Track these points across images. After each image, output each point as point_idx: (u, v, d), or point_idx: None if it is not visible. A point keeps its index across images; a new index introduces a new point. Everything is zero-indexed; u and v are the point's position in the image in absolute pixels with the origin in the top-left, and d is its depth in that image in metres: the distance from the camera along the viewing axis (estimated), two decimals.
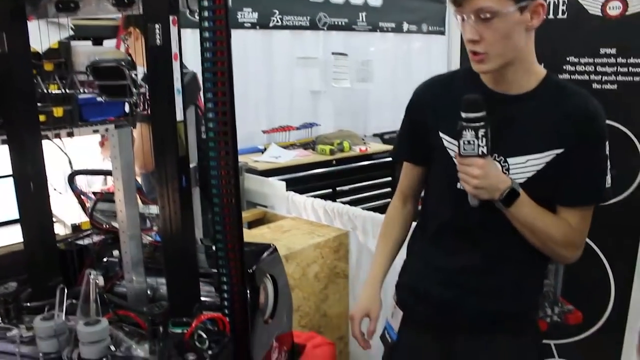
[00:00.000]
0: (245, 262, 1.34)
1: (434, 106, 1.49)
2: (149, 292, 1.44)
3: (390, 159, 4.45)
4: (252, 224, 3.15)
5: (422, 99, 1.54)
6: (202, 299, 1.37)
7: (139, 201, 1.56)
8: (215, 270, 1.35)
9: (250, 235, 2.69)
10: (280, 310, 1.58)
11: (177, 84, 1.22)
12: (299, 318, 2.55)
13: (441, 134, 1.46)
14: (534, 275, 1.53)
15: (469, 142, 1.30)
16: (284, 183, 3.25)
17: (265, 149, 4.26)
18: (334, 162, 4.18)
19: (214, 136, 1.23)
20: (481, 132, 1.29)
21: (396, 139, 1.68)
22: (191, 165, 1.31)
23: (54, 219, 2.69)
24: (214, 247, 1.37)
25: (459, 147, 1.32)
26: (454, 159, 1.40)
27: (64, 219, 2.67)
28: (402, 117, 1.61)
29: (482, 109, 1.29)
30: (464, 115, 1.31)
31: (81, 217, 1.65)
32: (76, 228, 2.51)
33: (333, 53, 5.04)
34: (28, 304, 1.36)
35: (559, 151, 1.35)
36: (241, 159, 3.50)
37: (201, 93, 1.25)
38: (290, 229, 2.81)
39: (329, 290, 2.73)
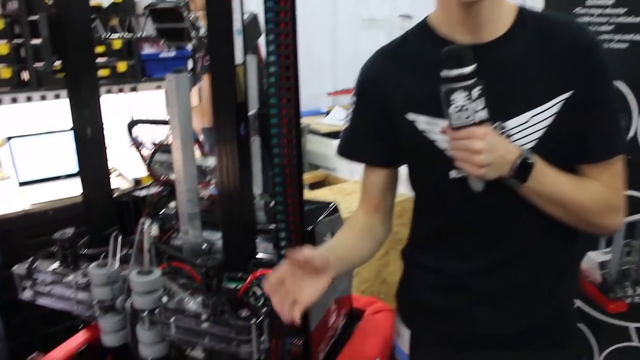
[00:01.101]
0: (305, 218, 1.26)
1: (392, 83, 1.12)
2: (204, 246, 1.39)
3: None
4: (314, 186, 3.08)
5: (373, 79, 1.15)
6: (259, 255, 1.31)
7: (198, 153, 1.51)
8: (273, 226, 1.29)
9: (311, 196, 2.62)
10: None
11: (237, 24, 1.14)
12: (358, 283, 2.47)
13: (410, 116, 1.08)
14: (568, 267, 1.19)
15: (461, 107, 0.96)
16: None
17: (328, 112, 4.16)
18: None
19: (275, 81, 1.15)
20: (476, 91, 0.95)
21: (344, 138, 1.22)
22: (250, 113, 1.24)
23: (116, 174, 2.72)
24: (272, 203, 1.31)
25: (449, 118, 0.97)
26: (436, 144, 1.07)
27: (126, 173, 2.68)
28: (349, 109, 1.20)
29: (470, 60, 0.95)
30: (449, 73, 0.95)
31: (142, 172, 1.62)
32: (137, 183, 2.52)
33: (399, 15, 4.86)
34: (85, 251, 1.34)
35: (567, 95, 1.05)
36: (304, 121, 3.42)
37: (262, 40, 1.17)
38: (352, 192, 2.72)
39: (390, 256, 2.63)
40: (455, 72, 0.95)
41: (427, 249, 1.21)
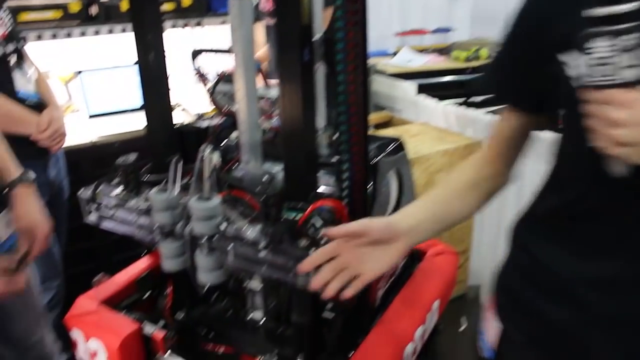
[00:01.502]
0: (369, 151, 1.21)
1: (552, 16, 0.87)
2: (265, 177, 1.37)
3: None
4: (378, 127, 3.01)
5: (540, 5, 0.90)
6: (321, 189, 1.27)
7: (261, 83, 1.47)
8: (336, 158, 1.24)
9: None
10: None
11: None
12: None
13: (563, 58, 0.84)
14: None
15: (602, 60, 0.71)
16: (414, 85, 3.04)
17: (396, 53, 4.03)
18: (469, 70, 3.87)
19: (342, 3, 1.08)
20: (627, 40, 0.69)
21: (490, 72, 1.03)
22: (315, 38, 1.18)
23: (180, 109, 2.73)
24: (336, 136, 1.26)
25: (589, 70, 0.72)
26: (579, 97, 0.77)
27: (190, 108, 2.69)
28: (503, 38, 0.97)
29: None
30: (595, 12, 0.70)
31: (206, 107, 1.61)
32: (201, 117, 2.52)
33: None
34: (147, 178, 1.34)
35: None
36: (371, 61, 3.32)
37: None
38: (418, 133, 2.64)
39: None
40: (604, 10, 0.70)
41: (540, 233, 0.97)
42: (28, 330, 1.50)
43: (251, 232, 1.12)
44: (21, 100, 1.85)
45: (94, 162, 2.39)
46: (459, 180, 1.05)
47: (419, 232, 0.95)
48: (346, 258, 0.90)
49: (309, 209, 1.11)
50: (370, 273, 0.91)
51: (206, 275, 1.18)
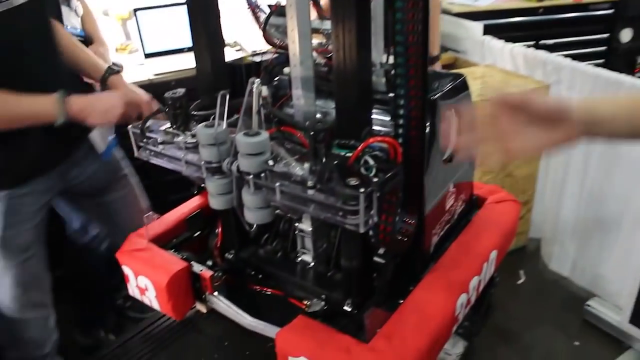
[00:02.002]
0: (429, 87, 1.12)
1: None
2: (318, 115, 1.30)
3: (611, 10, 3.74)
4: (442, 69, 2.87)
5: None
6: (375, 127, 1.20)
7: (315, 15, 1.39)
8: (392, 95, 1.16)
9: None
10: None
11: None
12: (482, 174, 2.31)
13: None
14: None
15: None
16: (481, 26, 2.86)
17: None
18: (541, 10, 3.61)
19: None
20: None
21: None
22: None
23: (236, 48, 2.67)
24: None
25: None
26: None
27: (246, 46, 2.62)
28: None
29: None
30: None
31: (262, 45, 1.54)
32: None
33: None
34: (196, 112, 1.30)
35: None
36: None
37: None
38: (484, 76, 2.49)
39: None
40: None
41: None
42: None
43: (299, 169, 1.06)
44: None
45: None
46: None
47: (599, 121, 0.81)
48: (501, 126, 0.80)
49: (360, 147, 1.04)
50: (521, 149, 0.82)
51: (253, 214, 1.14)
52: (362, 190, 0.95)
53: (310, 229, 1.35)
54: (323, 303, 1.31)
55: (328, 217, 1.02)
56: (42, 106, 1.42)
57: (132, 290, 1.44)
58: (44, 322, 1.73)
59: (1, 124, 1.40)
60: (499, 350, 2.16)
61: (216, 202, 1.20)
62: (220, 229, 1.47)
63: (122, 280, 1.44)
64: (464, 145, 0.87)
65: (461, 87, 1.34)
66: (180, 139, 1.22)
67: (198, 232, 1.53)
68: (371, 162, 1.04)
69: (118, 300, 2.38)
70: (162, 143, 1.25)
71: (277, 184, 1.05)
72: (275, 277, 1.41)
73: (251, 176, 1.08)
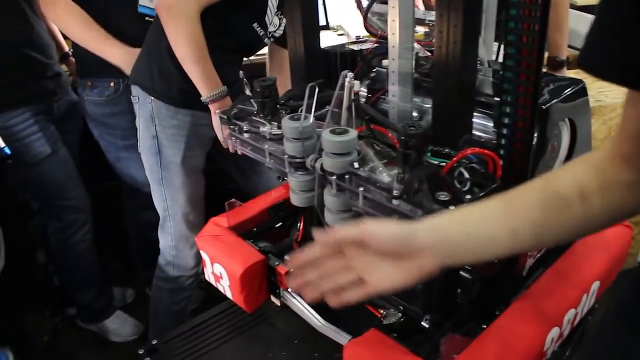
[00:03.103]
0: (540, 93, 1.00)
1: None
2: (414, 114, 1.21)
3: None
4: None
5: None
6: (476, 133, 1.09)
7: (420, 4, 1.29)
8: (497, 99, 1.05)
9: None
10: None
11: None
12: None
13: None
14: None
15: None
16: None
17: None
18: None
19: None
20: None
21: (590, 41, 0.67)
22: None
23: (339, 32, 2.60)
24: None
25: None
26: None
27: (350, 31, 2.54)
28: None
29: None
30: None
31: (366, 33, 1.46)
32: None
33: None
34: (284, 102, 1.25)
35: None
36: None
37: None
38: None
39: None
40: None
41: None
42: None
43: (386, 175, 0.98)
44: (140, 16, 1.84)
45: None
46: (553, 185, 0.72)
47: (453, 244, 0.73)
48: (354, 260, 0.75)
49: (455, 157, 0.94)
50: (376, 286, 0.75)
51: (333, 217, 1.07)
52: (451, 208, 0.86)
53: None
54: (400, 315, 1.23)
55: None
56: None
57: (208, 275, 1.43)
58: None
59: None
60: None
61: (297, 199, 1.15)
62: (302, 224, 1.42)
63: None
64: (311, 282, 0.78)
65: (578, 93, 1.20)
66: (265, 129, 1.17)
67: (279, 224, 1.49)
68: (466, 175, 0.94)
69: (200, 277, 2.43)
70: (247, 132, 1.21)
71: (361, 188, 0.98)
72: None
73: (334, 177, 1.02)
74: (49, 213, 2.09)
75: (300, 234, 1.43)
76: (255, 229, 1.45)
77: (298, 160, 1.10)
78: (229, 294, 1.36)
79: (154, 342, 1.42)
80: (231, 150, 1.29)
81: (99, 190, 2.24)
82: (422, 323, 1.17)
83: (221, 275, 1.34)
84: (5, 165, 1.82)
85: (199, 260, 1.88)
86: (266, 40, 1.72)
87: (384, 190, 0.96)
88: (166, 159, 1.73)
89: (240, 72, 1.87)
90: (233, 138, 1.25)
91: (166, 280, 1.91)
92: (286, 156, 1.11)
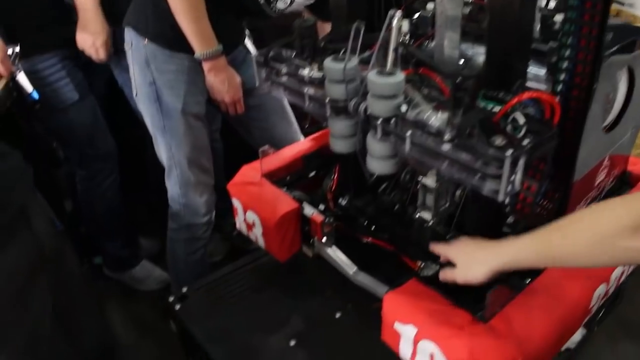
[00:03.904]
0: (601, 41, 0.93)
1: None
2: (461, 60, 1.15)
3: None
4: None
5: None
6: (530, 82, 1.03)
7: None
8: (552, 45, 0.99)
9: None
10: (626, 122, 1.17)
11: None
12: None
13: None
14: None
15: None
16: None
17: None
18: None
19: None
20: None
21: None
22: None
23: None
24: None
25: None
26: None
27: None
28: None
29: None
30: None
31: None
32: None
33: None
34: (325, 44, 1.19)
35: None
36: None
37: None
38: None
39: None
40: None
41: None
42: None
43: (435, 119, 0.93)
44: None
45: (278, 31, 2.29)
46: (595, 227, 0.79)
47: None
48: None
49: (511, 101, 0.89)
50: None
51: (376, 163, 1.03)
52: (509, 152, 0.81)
53: (435, 185, 1.23)
54: (437, 267, 1.20)
55: (462, 178, 0.89)
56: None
57: (240, 224, 1.40)
58: (209, 190, 1.84)
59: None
60: (620, 343, 1.96)
61: (338, 145, 1.10)
62: (336, 173, 1.38)
63: (231, 207, 1.41)
64: None
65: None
66: (305, 71, 1.12)
67: (313, 173, 1.46)
68: (521, 120, 0.89)
69: (226, 227, 2.41)
70: (286, 74, 1.16)
71: (409, 133, 0.93)
72: (388, 230, 1.31)
73: (380, 121, 0.97)
74: (76, 161, 2.07)
75: (334, 184, 1.39)
76: (288, 178, 1.42)
77: (340, 104, 1.05)
78: (261, 243, 1.34)
79: (184, 290, 1.41)
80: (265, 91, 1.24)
81: (125, 138, 2.22)
82: None
83: (254, 223, 1.32)
84: (33, 111, 1.80)
85: (209, 207, 1.85)
86: (269, 11, 1.64)
87: (433, 135, 0.91)
88: (167, 106, 1.66)
89: (247, 40, 1.80)
90: (269, 82, 1.21)
91: (178, 230, 1.87)
92: (327, 100, 1.06)
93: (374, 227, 1.33)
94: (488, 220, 1.10)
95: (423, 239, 1.25)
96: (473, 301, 1.03)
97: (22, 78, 1.68)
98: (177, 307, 1.35)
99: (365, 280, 1.22)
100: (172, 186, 1.80)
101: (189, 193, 1.79)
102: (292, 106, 1.89)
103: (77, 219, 2.34)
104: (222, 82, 1.61)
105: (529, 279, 1.06)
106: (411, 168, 1.28)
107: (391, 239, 1.29)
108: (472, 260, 0.94)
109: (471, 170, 0.87)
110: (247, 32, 1.83)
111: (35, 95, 1.69)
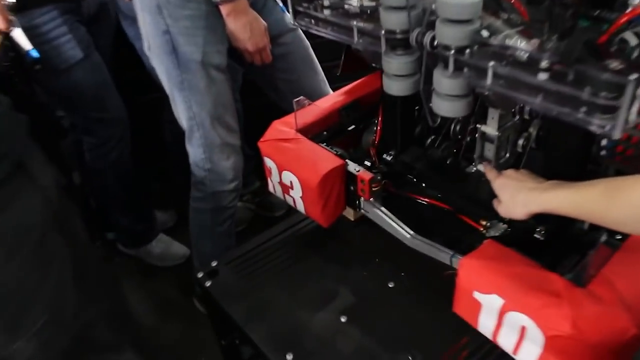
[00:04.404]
0: None
1: None
2: None
3: None
4: None
5: None
6: None
7: None
8: None
9: None
10: None
11: None
12: None
13: None
14: None
15: None
16: None
17: None
18: None
19: None
20: None
21: None
22: None
23: None
24: None
25: None
26: None
27: None
28: None
29: None
30: None
31: None
32: None
33: None
34: None
35: None
36: None
37: None
38: None
39: None
40: None
41: None
42: None
43: (523, 44, 0.76)
44: None
45: None
46: None
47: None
48: None
49: (620, 19, 0.72)
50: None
51: (447, 105, 0.87)
52: (634, 76, 0.65)
53: (497, 133, 1.08)
54: (505, 226, 1.05)
55: (563, 114, 0.73)
56: None
57: (273, 186, 1.25)
58: (237, 152, 1.66)
59: None
60: None
61: (396, 86, 0.94)
62: (379, 125, 1.23)
63: (253, 171, 1.26)
64: None
65: None
66: (353, 2, 0.95)
67: (352, 126, 1.30)
68: (633, 41, 0.72)
69: (249, 194, 2.26)
70: (329, 7, 0.99)
71: (491, 63, 0.77)
72: (442, 188, 1.16)
73: (452, 51, 0.80)
74: (82, 127, 1.91)
75: (377, 137, 1.24)
76: (325, 133, 1.26)
77: (400, 35, 0.88)
78: (300, 207, 1.19)
79: (213, 264, 1.26)
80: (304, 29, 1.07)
81: (137, 103, 2.05)
82: (535, 235, 0.99)
83: (292, 185, 1.17)
84: (33, 73, 1.63)
85: (237, 172, 1.68)
86: None
87: (523, 63, 0.75)
88: (184, 57, 1.46)
89: None
90: (308, 18, 1.04)
91: (203, 199, 1.70)
92: (383, 32, 0.89)
93: (424, 184, 1.18)
94: (569, 170, 0.95)
95: (484, 194, 1.10)
96: (551, 263, 0.89)
97: (19, 35, 1.50)
98: (208, 284, 1.20)
99: (423, 245, 1.07)
100: (195, 150, 1.62)
101: (214, 156, 1.61)
102: (318, 57, 1.71)
103: (87, 193, 2.19)
104: (244, 27, 1.43)
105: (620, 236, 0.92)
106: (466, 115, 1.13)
107: (446, 197, 1.14)
108: (513, 200, 0.91)
109: (575, 102, 0.71)
110: None
111: (35, 54, 1.51)
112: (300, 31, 1.66)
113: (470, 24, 0.79)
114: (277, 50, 1.58)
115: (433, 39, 0.84)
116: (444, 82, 0.84)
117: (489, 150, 1.13)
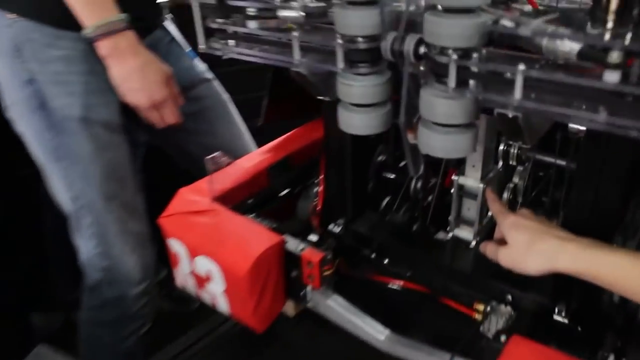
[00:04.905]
0: None
1: None
2: None
3: None
4: None
5: None
6: None
7: None
8: None
9: None
10: None
11: None
12: None
13: None
14: None
15: None
16: None
17: None
18: None
19: None
20: None
21: None
22: None
23: None
24: None
25: None
26: None
27: None
28: None
29: None
30: None
31: None
32: None
33: None
34: None
35: None
36: None
37: None
38: None
39: None
40: None
41: None
42: None
43: (564, 42, 0.51)
44: None
45: None
46: None
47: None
48: None
49: None
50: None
51: (440, 140, 0.58)
52: None
53: (481, 185, 0.82)
54: (509, 309, 0.77)
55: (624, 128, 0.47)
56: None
57: (182, 278, 0.91)
58: (144, 242, 1.21)
59: None
60: None
61: (359, 121, 0.65)
62: (322, 185, 0.93)
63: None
64: None
65: None
66: (296, 2, 0.67)
67: (285, 191, 1.00)
68: None
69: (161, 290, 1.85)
70: (255, 17, 0.70)
71: (521, 66, 0.50)
72: (412, 263, 0.87)
73: (454, 56, 0.53)
74: None
75: (320, 201, 0.94)
76: (251, 201, 0.95)
77: (363, 45, 0.60)
78: (223, 307, 0.85)
79: None
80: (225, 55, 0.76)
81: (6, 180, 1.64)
82: (556, 317, 0.73)
83: (208, 276, 0.83)
84: None
85: (147, 268, 1.24)
86: None
87: (569, 65, 0.49)
88: (58, 113, 1.08)
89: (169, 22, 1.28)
90: (223, 40, 0.74)
91: (101, 309, 1.24)
92: (339, 40, 0.61)
93: (388, 260, 0.90)
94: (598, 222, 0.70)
95: (467, 267, 0.84)
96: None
97: None
98: None
99: (404, 348, 0.76)
100: (85, 243, 1.19)
101: (113, 250, 1.18)
102: (238, 105, 1.37)
103: None
104: (131, 73, 1.06)
105: None
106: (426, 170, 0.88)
107: (420, 276, 0.85)
108: (530, 247, 0.70)
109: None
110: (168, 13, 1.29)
111: None
112: (216, 82, 1.32)
113: (477, 15, 0.53)
114: (188, 108, 1.23)
115: (418, 43, 0.57)
116: (441, 105, 0.56)
117: (470, 208, 0.87)
